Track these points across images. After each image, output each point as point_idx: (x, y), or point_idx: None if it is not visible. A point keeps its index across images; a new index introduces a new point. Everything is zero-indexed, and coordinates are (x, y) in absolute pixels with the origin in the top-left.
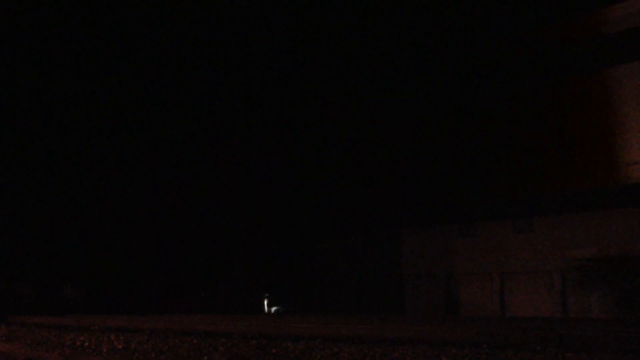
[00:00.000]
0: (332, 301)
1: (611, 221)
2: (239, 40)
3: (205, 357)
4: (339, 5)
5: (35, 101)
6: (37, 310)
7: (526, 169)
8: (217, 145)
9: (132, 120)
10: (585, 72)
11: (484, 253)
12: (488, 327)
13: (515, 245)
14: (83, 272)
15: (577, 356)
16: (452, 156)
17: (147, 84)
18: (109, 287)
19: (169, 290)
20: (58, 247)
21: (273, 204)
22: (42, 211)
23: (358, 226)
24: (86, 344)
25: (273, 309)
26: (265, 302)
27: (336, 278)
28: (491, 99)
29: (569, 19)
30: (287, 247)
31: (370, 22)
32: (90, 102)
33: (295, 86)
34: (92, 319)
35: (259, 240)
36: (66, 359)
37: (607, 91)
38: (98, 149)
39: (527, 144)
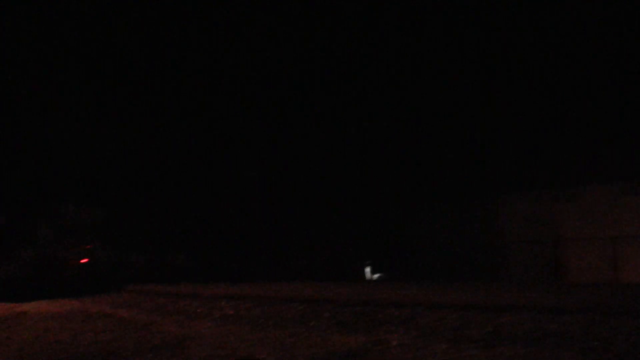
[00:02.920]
0: (434, 268)
1: None
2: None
3: (312, 322)
4: None
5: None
6: (152, 278)
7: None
8: (322, 108)
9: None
10: None
11: (594, 217)
12: (599, 293)
13: (628, 207)
14: (193, 242)
15: None
16: (554, 113)
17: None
18: (217, 256)
19: (274, 258)
20: (169, 219)
21: (374, 170)
22: (151, 185)
23: (460, 191)
24: (198, 310)
25: (375, 276)
26: (367, 270)
27: (438, 245)
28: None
29: None
30: (389, 214)
31: None
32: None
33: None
34: (204, 287)
35: (361, 206)
36: (181, 324)
37: None
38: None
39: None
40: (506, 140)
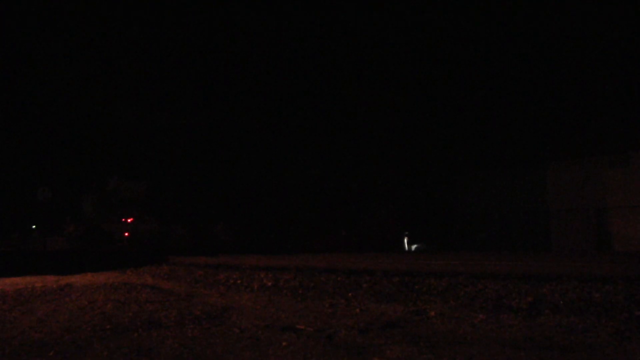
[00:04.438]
0: (474, 239)
1: None
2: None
3: (350, 293)
4: None
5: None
6: (192, 251)
7: None
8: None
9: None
10: None
11: (639, 184)
12: None
13: None
14: (233, 215)
15: None
16: (598, 80)
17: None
18: (257, 228)
19: (312, 230)
20: (209, 192)
21: (413, 140)
22: (192, 160)
23: (501, 159)
24: (238, 281)
25: (413, 246)
26: (406, 240)
27: (478, 215)
28: None
29: None
30: (428, 184)
31: None
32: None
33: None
34: (242, 259)
35: (400, 177)
36: (222, 295)
37: None
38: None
39: None
40: (552, 107)
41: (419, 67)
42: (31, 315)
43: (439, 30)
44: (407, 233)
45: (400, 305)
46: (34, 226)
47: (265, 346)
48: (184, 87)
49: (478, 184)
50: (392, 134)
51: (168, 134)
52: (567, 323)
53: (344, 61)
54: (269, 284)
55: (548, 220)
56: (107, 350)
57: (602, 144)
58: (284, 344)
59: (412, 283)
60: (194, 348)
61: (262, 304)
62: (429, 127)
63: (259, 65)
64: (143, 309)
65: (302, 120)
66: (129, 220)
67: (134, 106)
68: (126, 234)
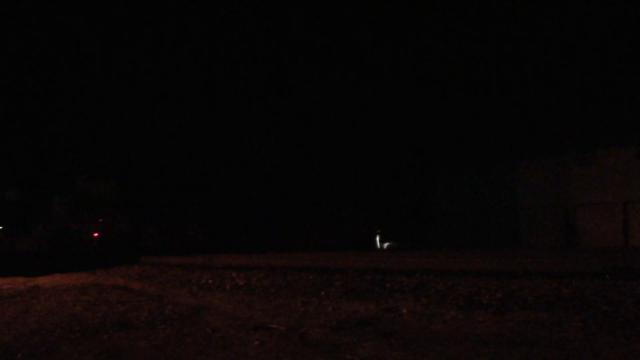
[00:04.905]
0: (445, 236)
1: None
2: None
3: (323, 292)
4: None
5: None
6: (164, 251)
7: None
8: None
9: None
10: None
11: (605, 182)
12: (610, 258)
13: None
14: (206, 214)
15: None
16: (566, 80)
17: None
18: (229, 227)
19: (285, 229)
20: (182, 192)
21: (384, 139)
22: (165, 159)
23: (472, 157)
24: (210, 281)
25: (385, 245)
26: (378, 238)
27: (449, 212)
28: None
29: None
30: (400, 183)
31: None
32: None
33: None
34: (215, 258)
35: (372, 176)
36: (194, 295)
37: None
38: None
39: None
40: (521, 106)
41: (392, 66)
42: None
43: (408, 28)
44: (379, 231)
45: (372, 303)
46: (0, 227)
47: (238, 346)
48: (155, 84)
49: (449, 182)
50: (363, 133)
51: (140, 132)
52: (536, 318)
53: (318, 59)
54: (242, 283)
55: (518, 217)
56: (76, 353)
57: (570, 143)
58: (256, 343)
59: (384, 281)
60: (165, 349)
61: (234, 304)
62: (401, 125)
63: (231, 61)
64: (113, 310)
65: (275, 119)
66: (99, 220)
67: (105, 104)
68: (96, 234)
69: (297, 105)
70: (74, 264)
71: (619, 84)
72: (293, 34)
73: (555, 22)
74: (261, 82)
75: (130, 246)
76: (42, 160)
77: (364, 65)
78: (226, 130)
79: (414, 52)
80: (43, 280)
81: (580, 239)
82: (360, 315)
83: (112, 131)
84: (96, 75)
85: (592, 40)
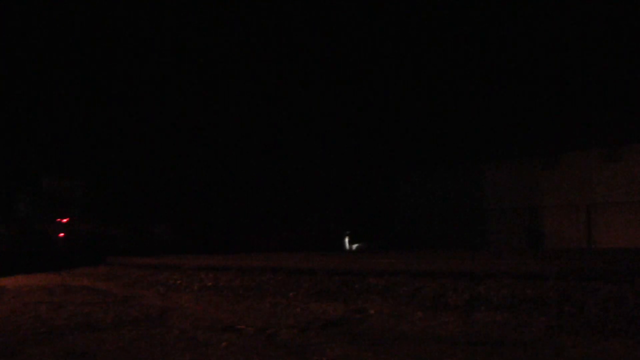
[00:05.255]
0: (414, 237)
1: None
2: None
3: (291, 293)
4: None
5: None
6: (132, 251)
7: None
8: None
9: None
10: None
11: (570, 185)
12: (574, 259)
13: (603, 175)
14: (174, 214)
15: None
16: (530, 84)
17: None
18: (198, 227)
19: (254, 230)
20: (150, 191)
21: (353, 140)
22: (131, 157)
23: (440, 159)
24: (178, 282)
25: (354, 246)
26: (347, 240)
27: (418, 214)
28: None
29: None
30: (368, 184)
31: None
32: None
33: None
34: (183, 259)
35: (340, 177)
36: (161, 296)
37: None
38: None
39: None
40: (488, 109)
41: (361, 68)
42: None
43: (374, 30)
44: (348, 232)
45: (340, 304)
46: None
47: (205, 347)
48: (119, 82)
49: (417, 183)
50: (332, 134)
51: (106, 130)
52: (502, 319)
53: (286, 61)
54: (210, 284)
55: (485, 219)
56: (40, 354)
57: (535, 146)
58: (224, 344)
59: (352, 282)
60: (132, 350)
61: (203, 305)
62: (369, 127)
63: (198, 57)
64: (79, 311)
65: (243, 119)
66: (64, 220)
67: (71, 101)
68: (61, 234)
69: (266, 106)
70: (39, 265)
71: (583, 89)
72: (254, 36)
73: (518, 27)
74: (229, 82)
75: (97, 246)
76: (5, 159)
77: (332, 68)
78: (195, 130)
79: (382, 55)
80: (6, 281)
81: (545, 241)
82: (329, 316)
83: (77, 129)
84: (60, 72)
85: (556, 46)
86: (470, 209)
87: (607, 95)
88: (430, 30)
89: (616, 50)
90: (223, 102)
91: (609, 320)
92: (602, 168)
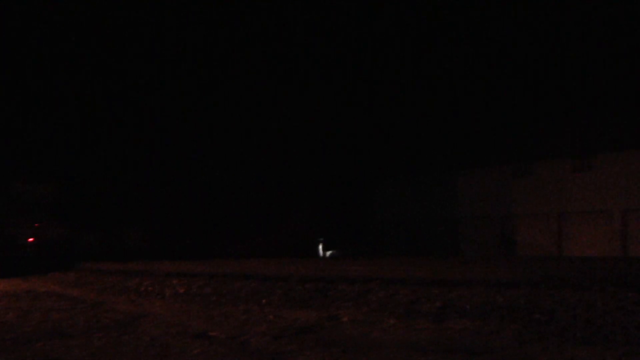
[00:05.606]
0: (388, 245)
1: None
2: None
3: (264, 300)
4: None
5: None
6: (103, 256)
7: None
8: (274, 90)
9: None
10: None
11: (541, 193)
12: (545, 267)
13: (574, 184)
14: (146, 219)
15: (638, 296)
16: (503, 94)
17: None
18: (170, 233)
19: (228, 236)
20: (122, 196)
21: (328, 148)
22: (104, 163)
23: (414, 167)
24: (150, 288)
25: (328, 253)
26: (321, 247)
27: (391, 222)
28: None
29: None
30: (343, 191)
31: None
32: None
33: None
34: (155, 265)
35: (315, 184)
36: (132, 302)
37: None
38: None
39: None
40: (462, 118)
41: (336, 76)
42: None
43: (350, 38)
44: (322, 239)
45: (313, 311)
46: None
47: (176, 354)
48: (89, 85)
49: (392, 191)
50: (308, 141)
51: (77, 134)
52: (473, 327)
53: (259, 68)
54: (182, 290)
55: (458, 227)
56: None
57: (507, 155)
58: (195, 351)
59: (325, 289)
60: (102, 358)
61: (174, 311)
62: (344, 134)
63: (169, 65)
64: (48, 318)
65: (215, 123)
66: (34, 225)
67: (41, 103)
68: (31, 239)
69: (242, 112)
70: (8, 270)
71: (555, 99)
72: (217, 37)
73: (489, 38)
74: (197, 86)
75: (67, 252)
76: None
77: (309, 77)
78: (167, 135)
79: (357, 64)
80: None
81: (516, 250)
82: (302, 323)
83: (49, 133)
84: (29, 76)
85: (528, 56)
86: (444, 217)
87: (577, 104)
88: (404, 41)
89: (587, 61)
90: (196, 106)
91: (578, 327)
92: (573, 177)
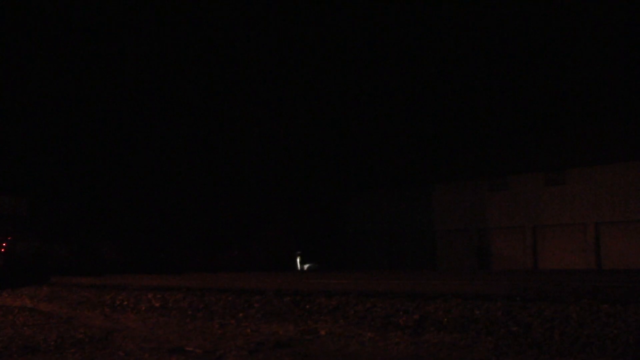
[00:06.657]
0: (365, 258)
1: None
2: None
3: (241, 314)
4: None
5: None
6: (76, 271)
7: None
8: (248, 102)
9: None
10: None
11: (516, 207)
12: (520, 280)
13: (548, 198)
14: (119, 233)
15: (612, 307)
16: (480, 106)
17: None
18: (145, 246)
19: (204, 249)
20: (93, 209)
21: (304, 161)
22: (77, 175)
23: (389, 181)
24: (125, 302)
25: (306, 266)
26: (298, 260)
27: (368, 235)
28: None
29: None
30: (319, 205)
31: None
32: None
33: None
34: (130, 279)
35: (292, 197)
36: (107, 317)
37: None
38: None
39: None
40: (437, 131)
41: (310, 87)
42: None
43: (321, 52)
44: (299, 253)
45: (291, 324)
46: None
47: None
48: (62, 95)
49: (368, 205)
50: (283, 155)
51: (49, 145)
52: (451, 339)
53: (239, 74)
54: (157, 304)
55: (433, 239)
56: None
57: (482, 168)
58: None
59: (303, 302)
60: None
61: (150, 326)
62: (319, 147)
63: (127, 70)
64: (19, 333)
65: (190, 137)
66: (7, 238)
67: (11, 114)
68: (1, 251)
69: (215, 124)
70: None
71: (529, 112)
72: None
73: (462, 49)
74: (175, 95)
75: (40, 266)
76: None
77: (284, 88)
78: (142, 147)
79: (331, 75)
80: None
81: (492, 263)
82: (279, 337)
83: (21, 144)
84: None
85: (504, 74)
86: (420, 230)
87: (551, 120)
88: (379, 55)
89: (561, 75)
90: (169, 118)
91: (554, 340)
92: (547, 191)
